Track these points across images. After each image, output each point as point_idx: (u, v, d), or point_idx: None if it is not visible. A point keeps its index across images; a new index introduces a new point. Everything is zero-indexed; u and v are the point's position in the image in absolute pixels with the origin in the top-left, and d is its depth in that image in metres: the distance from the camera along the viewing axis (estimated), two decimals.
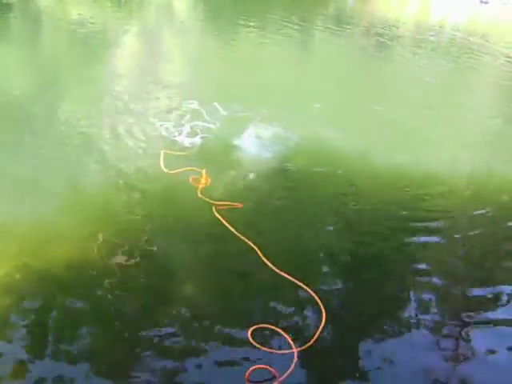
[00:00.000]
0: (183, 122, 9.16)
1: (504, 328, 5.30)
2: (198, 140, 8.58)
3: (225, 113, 9.60)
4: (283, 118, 9.35)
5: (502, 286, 5.90)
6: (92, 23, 16.30)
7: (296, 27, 17.67)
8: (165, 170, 7.44)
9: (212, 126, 9.11)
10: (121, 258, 5.72)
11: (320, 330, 4.93)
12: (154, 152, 7.96)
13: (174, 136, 8.63)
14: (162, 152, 7.85)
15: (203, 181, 7.22)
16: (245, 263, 5.86)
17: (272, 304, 5.32)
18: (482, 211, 7.23)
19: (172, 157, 7.83)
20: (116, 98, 10.21)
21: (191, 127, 8.95)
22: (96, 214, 6.48)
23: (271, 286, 5.54)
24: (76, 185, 7.05)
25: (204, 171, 7.36)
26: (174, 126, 8.94)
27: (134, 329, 4.89)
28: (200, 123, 9.13)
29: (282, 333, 4.88)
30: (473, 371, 4.78)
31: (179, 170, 7.46)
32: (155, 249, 5.97)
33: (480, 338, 5.12)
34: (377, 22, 19.87)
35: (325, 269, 5.98)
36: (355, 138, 8.98)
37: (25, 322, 4.87)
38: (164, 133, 8.71)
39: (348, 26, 18.82)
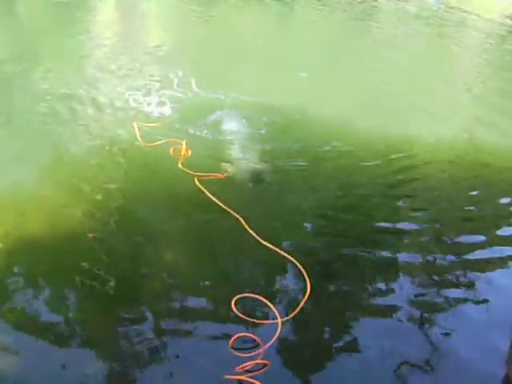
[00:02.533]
0: (152, 91, 9.44)
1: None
2: (167, 110, 8.80)
3: (196, 84, 9.85)
4: (262, 89, 9.62)
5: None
6: None
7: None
8: (142, 143, 7.61)
9: (182, 95, 9.36)
10: (102, 229, 5.93)
11: (305, 299, 5.16)
12: (126, 123, 8.18)
13: (144, 106, 8.86)
14: (135, 124, 8.00)
15: (184, 152, 7.39)
16: (228, 233, 6.11)
17: (256, 274, 5.62)
18: (460, 178, 7.79)
19: (146, 128, 8.03)
20: (90, 67, 10.48)
21: (160, 97, 9.20)
22: (77, 185, 6.67)
23: (255, 255, 5.80)
24: (54, 157, 7.23)
25: (184, 142, 7.53)
26: (142, 96, 9.16)
27: (117, 301, 5.11)
28: (170, 92, 9.42)
29: (267, 302, 5.10)
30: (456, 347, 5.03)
31: (158, 142, 7.62)
32: (137, 220, 6.21)
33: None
34: None
35: (309, 238, 6.23)
36: (336, 105, 9.29)
37: (6, 293, 5.06)
38: (133, 103, 8.90)
39: None
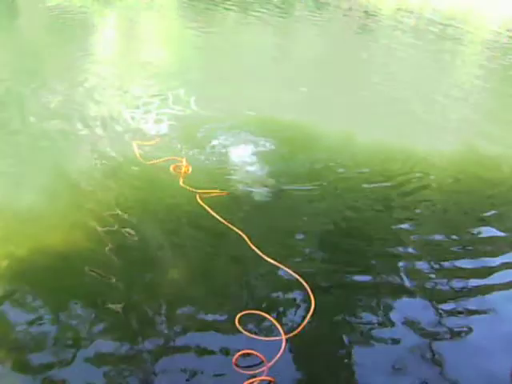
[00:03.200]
0: (152, 109, 9.54)
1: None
2: (167, 128, 8.91)
3: (195, 99, 9.98)
4: (262, 105, 9.75)
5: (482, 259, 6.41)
6: (68, 8, 16.43)
7: (276, 9, 17.98)
8: (142, 161, 7.69)
9: (180, 113, 9.48)
10: (105, 247, 5.99)
11: (309, 316, 5.22)
12: (125, 142, 8.25)
13: (143, 124, 8.98)
14: (134, 143, 8.09)
15: (184, 169, 7.48)
16: (232, 250, 6.18)
17: (260, 290, 5.67)
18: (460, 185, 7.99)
19: (145, 146, 8.12)
20: (88, 84, 10.55)
21: (159, 115, 9.31)
22: (77, 204, 6.72)
23: (259, 272, 5.88)
24: (54, 176, 7.26)
25: (184, 160, 7.62)
26: (142, 114, 9.32)
27: (119, 315, 5.17)
28: (169, 110, 9.53)
29: (271, 319, 5.17)
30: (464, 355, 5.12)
31: (158, 160, 7.69)
32: (140, 237, 6.23)
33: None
34: (357, 5, 20.28)
35: (312, 254, 6.30)
36: (337, 119, 9.46)
37: (11, 311, 5.13)
38: (132, 121, 9.02)
39: (329, 9, 19.19)
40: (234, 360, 4.73)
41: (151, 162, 7.63)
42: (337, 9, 19.54)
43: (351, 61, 13.33)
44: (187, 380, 4.62)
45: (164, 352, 4.85)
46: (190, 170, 7.52)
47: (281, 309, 5.41)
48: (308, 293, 5.48)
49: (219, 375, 4.68)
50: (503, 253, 6.57)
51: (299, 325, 5.14)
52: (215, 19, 16.82)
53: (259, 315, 5.21)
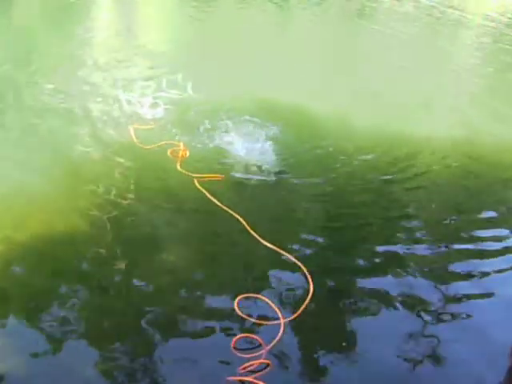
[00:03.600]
0: (147, 92, 9.58)
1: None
2: (162, 112, 8.91)
3: (192, 83, 10.00)
4: (260, 87, 9.78)
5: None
6: None
7: None
8: (139, 145, 7.69)
9: (177, 96, 9.50)
10: (104, 231, 6.03)
11: (307, 301, 5.26)
12: (122, 127, 8.26)
13: (139, 108, 8.99)
14: (131, 128, 8.09)
15: (182, 154, 7.51)
16: (230, 234, 6.24)
17: (258, 274, 5.72)
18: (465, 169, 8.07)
19: (142, 131, 8.11)
20: (86, 69, 10.52)
21: (154, 98, 9.31)
22: (76, 189, 6.75)
23: (257, 256, 5.93)
24: (52, 161, 7.26)
25: (182, 144, 7.63)
26: (138, 98, 9.31)
27: (119, 300, 5.23)
28: (167, 95, 9.54)
29: (270, 303, 5.21)
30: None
31: (156, 144, 7.70)
32: (138, 221, 6.32)
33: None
34: None
35: (311, 239, 6.33)
36: (337, 103, 9.49)
37: (7, 295, 5.16)
38: (127, 106, 9.02)
39: None
40: (232, 343, 4.76)
41: (148, 147, 7.63)
42: None
43: (349, 46, 13.36)
44: (185, 362, 4.66)
45: (162, 334, 4.88)
46: (188, 154, 7.53)
47: (279, 293, 5.44)
48: (306, 277, 5.52)
49: (217, 358, 4.71)
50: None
51: (298, 309, 5.17)
52: (214, 2, 16.75)
53: (258, 299, 5.25)
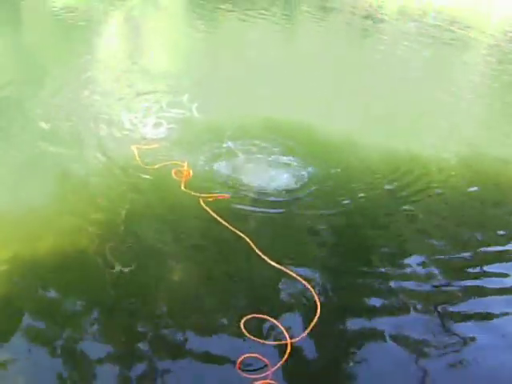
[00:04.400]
0: (149, 112, 9.62)
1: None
2: (165, 131, 8.98)
3: (197, 102, 10.03)
4: (266, 106, 9.83)
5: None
6: (75, 10, 16.53)
7: (279, 13, 18.17)
8: (143, 166, 7.74)
9: (181, 116, 9.57)
10: (109, 251, 6.10)
11: (314, 321, 5.29)
12: (126, 146, 8.29)
13: (139, 128, 9.04)
14: (134, 148, 8.16)
15: (186, 173, 7.57)
16: (236, 254, 6.28)
17: (265, 294, 5.76)
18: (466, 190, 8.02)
19: (145, 151, 8.17)
20: (90, 88, 10.63)
21: (157, 118, 9.39)
22: (81, 208, 6.81)
23: (264, 276, 5.95)
24: (56, 181, 7.33)
25: (186, 164, 7.70)
26: (140, 117, 9.37)
27: (124, 318, 5.29)
28: (168, 114, 9.60)
29: (276, 323, 5.23)
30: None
31: (160, 164, 7.76)
32: (144, 241, 6.36)
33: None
34: (360, 7, 20.51)
35: (318, 258, 6.39)
36: (341, 123, 9.51)
37: (15, 313, 5.21)
38: (132, 125, 9.10)
39: (332, 11, 19.46)
40: (238, 363, 4.79)
41: (153, 167, 7.68)
42: (340, 11, 19.76)
43: (352, 63, 13.48)
44: (189, 382, 4.72)
45: (168, 354, 4.94)
46: (191, 174, 7.58)
47: (286, 313, 5.48)
48: (314, 297, 5.56)
49: (223, 378, 4.75)
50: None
51: (305, 329, 5.20)
52: (219, 21, 16.93)
53: (265, 319, 5.28)
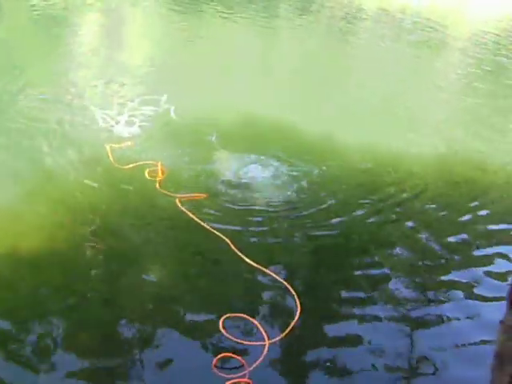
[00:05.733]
0: (124, 110, 9.59)
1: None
2: (136, 129, 9.00)
3: (171, 101, 10.03)
4: (241, 103, 9.86)
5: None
6: (53, 3, 16.50)
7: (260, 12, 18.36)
8: (117, 166, 7.71)
9: (156, 114, 9.60)
10: (84, 250, 6.11)
11: (293, 323, 5.30)
12: (99, 145, 8.26)
13: (112, 126, 9.04)
14: (108, 146, 8.13)
15: (160, 173, 7.55)
16: (215, 253, 6.31)
17: (244, 294, 5.81)
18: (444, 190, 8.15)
19: (118, 149, 8.16)
20: (67, 84, 10.63)
21: (132, 116, 9.39)
22: (54, 208, 6.74)
23: (242, 275, 5.98)
24: (30, 178, 7.32)
25: (159, 163, 7.68)
26: (114, 115, 9.35)
27: (99, 315, 5.27)
28: (142, 112, 9.61)
29: (255, 323, 5.24)
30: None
31: (133, 164, 7.73)
32: (121, 241, 6.39)
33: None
34: (340, 6, 20.84)
35: (298, 258, 6.43)
36: (320, 119, 9.67)
37: None
38: (102, 123, 9.08)
39: (311, 10, 19.75)
40: (214, 362, 4.79)
41: (126, 166, 7.64)
42: (319, 10, 20.06)
43: (330, 61, 13.68)
44: (164, 379, 4.70)
45: (143, 350, 4.93)
46: (166, 173, 7.57)
47: (266, 314, 5.50)
48: (294, 298, 5.57)
49: (198, 376, 4.73)
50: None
51: (284, 329, 5.21)
52: (199, 20, 17.00)
53: (243, 319, 5.29)
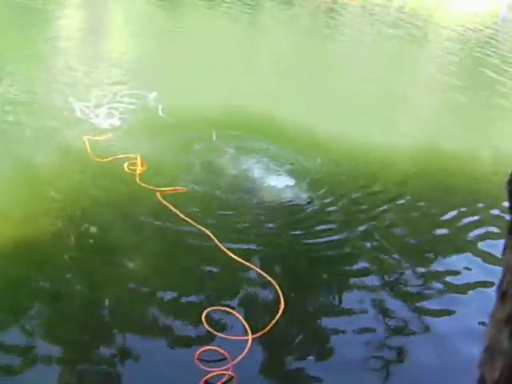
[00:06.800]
0: (104, 101, 9.64)
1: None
2: (116, 122, 9.03)
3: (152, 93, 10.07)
4: (224, 96, 9.95)
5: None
6: None
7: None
8: (96, 159, 7.71)
9: (135, 106, 9.64)
10: (64, 241, 6.15)
11: (277, 317, 5.36)
12: (75, 137, 8.29)
13: (91, 118, 9.05)
14: (86, 139, 8.14)
15: (139, 167, 7.58)
16: (197, 247, 6.33)
17: (227, 288, 5.86)
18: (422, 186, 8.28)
19: (96, 142, 8.16)
20: (46, 74, 10.70)
21: (111, 108, 9.42)
22: (32, 200, 6.81)
23: (225, 269, 6.05)
24: (9, 169, 7.27)
25: (139, 156, 7.71)
26: (90, 107, 9.36)
27: (79, 309, 5.30)
28: (122, 104, 9.65)
29: (239, 317, 5.31)
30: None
31: (111, 157, 7.76)
32: (101, 234, 6.44)
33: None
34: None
35: (281, 252, 6.52)
36: (302, 113, 9.76)
37: None
38: (80, 114, 9.09)
39: (295, 2, 19.87)
40: (196, 355, 4.85)
41: (105, 159, 7.66)
42: (302, 3, 20.19)
43: (315, 56, 13.84)
44: (146, 372, 4.74)
45: (126, 344, 4.96)
46: (145, 167, 7.60)
47: (249, 307, 5.58)
48: (277, 292, 5.65)
49: (180, 369, 4.83)
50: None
51: (266, 325, 5.27)
52: (182, 12, 17.00)
53: (227, 313, 5.37)
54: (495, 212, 7.58)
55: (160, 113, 9.51)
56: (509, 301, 2.10)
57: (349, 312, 5.71)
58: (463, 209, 7.70)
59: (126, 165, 7.60)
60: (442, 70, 14.27)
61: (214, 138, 8.63)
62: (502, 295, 2.13)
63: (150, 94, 10.05)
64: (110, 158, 7.71)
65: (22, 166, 7.38)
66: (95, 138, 8.25)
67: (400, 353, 5.31)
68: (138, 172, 7.46)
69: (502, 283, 2.15)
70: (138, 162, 7.63)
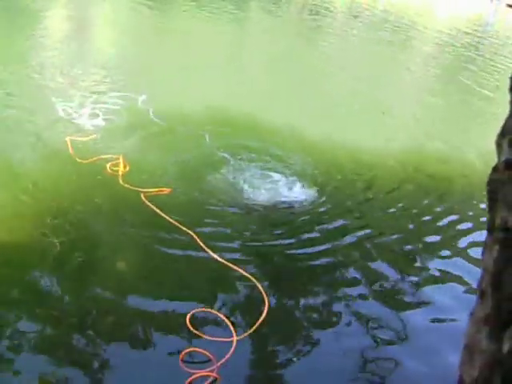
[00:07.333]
0: (87, 101, 9.68)
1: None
2: (100, 122, 9.04)
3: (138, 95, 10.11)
4: (210, 97, 10.04)
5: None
6: None
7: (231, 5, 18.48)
8: (77, 160, 7.73)
9: (116, 107, 9.68)
10: (47, 244, 6.08)
11: (261, 318, 5.41)
12: (57, 137, 8.33)
13: (74, 118, 9.07)
14: (68, 139, 8.16)
15: (122, 168, 7.61)
16: (181, 248, 6.36)
17: (211, 289, 5.85)
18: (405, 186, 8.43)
19: (79, 143, 8.20)
20: (26, 74, 10.67)
21: (94, 108, 9.46)
22: (14, 199, 6.77)
23: (211, 271, 6.08)
24: None
25: (121, 157, 7.74)
26: (74, 107, 9.38)
27: (66, 309, 5.31)
28: (105, 104, 9.70)
29: (223, 319, 5.34)
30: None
31: (93, 158, 7.78)
32: (84, 236, 6.42)
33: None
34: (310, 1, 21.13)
35: (266, 254, 6.54)
36: (288, 113, 9.93)
37: None
38: (62, 114, 9.12)
39: (282, 4, 19.94)
40: (180, 356, 4.88)
41: (87, 161, 7.69)
42: (290, 4, 20.31)
43: (301, 57, 13.96)
44: (130, 373, 4.76)
45: (109, 345, 4.99)
46: (128, 168, 7.63)
47: (233, 309, 5.61)
48: (261, 294, 5.70)
49: (164, 370, 4.83)
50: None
51: (252, 325, 5.33)
52: (169, 12, 17.03)
53: (211, 315, 5.41)
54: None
55: (151, 116, 9.49)
56: (487, 300, 2.15)
57: (335, 316, 5.73)
58: (454, 217, 7.81)
59: (108, 166, 7.62)
60: (426, 73, 14.43)
61: (207, 140, 8.71)
62: (481, 295, 2.19)
63: (140, 97, 10.07)
64: (92, 159, 7.73)
65: (1, 167, 7.38)
66: (78, 138, 8.28)
67: (386, 360, 5.31)
68: (120, 173, 7.49)
69: (481, 283, 2.21)
70: (121, 162, 7.70)
